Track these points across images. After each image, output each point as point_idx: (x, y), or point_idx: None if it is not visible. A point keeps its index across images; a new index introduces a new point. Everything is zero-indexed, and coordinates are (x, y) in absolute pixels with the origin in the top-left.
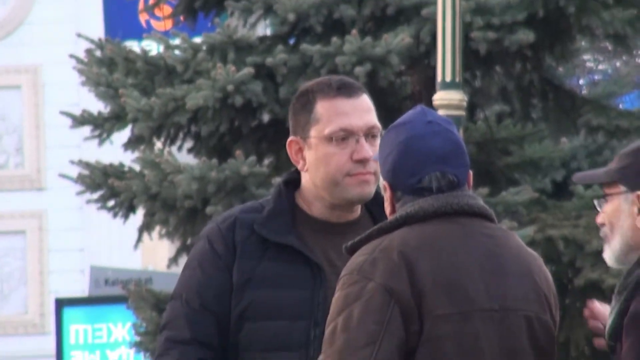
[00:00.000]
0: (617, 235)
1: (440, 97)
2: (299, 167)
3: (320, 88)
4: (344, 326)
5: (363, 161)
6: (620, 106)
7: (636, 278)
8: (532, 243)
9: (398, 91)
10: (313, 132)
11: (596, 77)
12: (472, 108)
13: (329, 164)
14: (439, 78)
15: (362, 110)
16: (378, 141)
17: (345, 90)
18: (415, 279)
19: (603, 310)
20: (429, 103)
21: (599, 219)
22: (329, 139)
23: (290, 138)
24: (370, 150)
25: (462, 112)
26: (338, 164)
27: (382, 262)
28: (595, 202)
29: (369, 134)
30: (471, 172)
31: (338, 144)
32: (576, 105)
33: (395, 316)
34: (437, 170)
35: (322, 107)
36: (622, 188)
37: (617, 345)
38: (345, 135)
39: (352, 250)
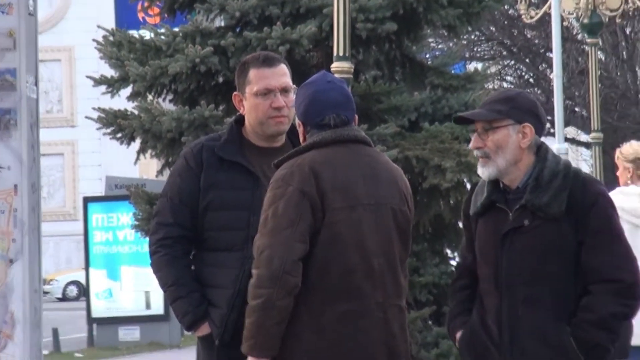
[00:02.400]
0: (502, 154)
1: (336, 66)
2: (241, 112)
3: (252, 60)
4: (273, 215)
5: (278, 108)
6: (452, 72)
7: (562, 172)
8: (395, 160)
9: (308, 62)
10: (247, 90)
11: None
12: (357, 73)
13: (257, 111)
14: (335, 53)
15: (279, 75)
16: (291, 95)
17: (268, 62)
18: (320, 184)
19: None
20: (329, 70)
21: (478, 144)
22: (256, 94)
23: (235, 93)
24: (284, 101)
25: (350, 76)
26: (262, 110)
27: (298, 173)
28: (478, 133)
29: (283, 90)
30: (356, 116)
31: (262, 97)
32: (424, 71)
33: (307, 208)
34: (333, 112)
35: (252, 73)
36: (510, 121)
37: (561, 220)
38: (266, 92)
39: (278, 166)
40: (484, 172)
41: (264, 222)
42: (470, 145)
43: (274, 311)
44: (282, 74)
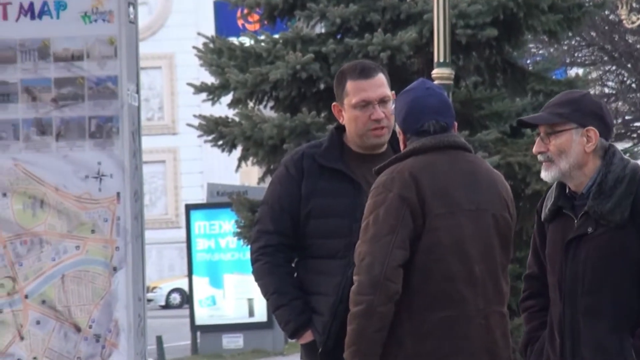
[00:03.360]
0: (566, 158)
1: (436, 72)
2: (340, 122)
3: (349, 71)
4: (374, 222)
5: (377, 120)
6: (553, 77)
7: (628, 177)
8: (497, 166)
9: (408, 69)
10: (345, 102)
11: (537, 59)
12: (457, 79)
13: (356, 123)
14: (435, 60)
15: (377, 86)
16: (389, 105)
17: (365, 73)
18: (420, 190)
19: None
20: (429, 76)
21: (541, 148)
22: (355, 106)
23: (333, 103)
24: (382, 112)
25: (451, 82)
26: (362, 122)
27: (398, 179)
28: (540, 137)
29: (381, 101)
30: (456, 122)
31: (360, 109)
32: (525, 77)
33: (407, 215)
34: (433, 119)
35: (349, 85)
36: (573, 125)
37: (626, 228)
38: (364, 104)
39: (378, 172)
40: (547, 175)
41: (365, 229)
42: (534, 149)
43: (374, 318)
44: (379, 85)
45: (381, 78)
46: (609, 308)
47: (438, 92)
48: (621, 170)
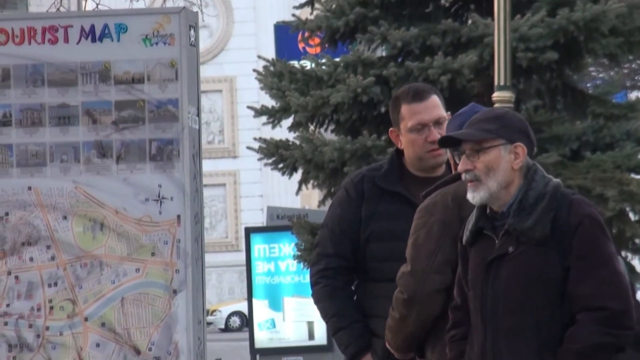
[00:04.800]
0: (494, 177)
1: (497, 95)
2: (399, 146)
3: (403, 96)
4: (413, 244)
5: (434, 142)
6: (614, 100)
7: (549, 194)
8: None
9: (469, 92)
10: (402, 126)
11: (598, 82)
12: (518, 102)
13: (414, 146)
14: (495, 83)
15: (431, 108)
16: (444, 126)
17: (418, 96)
18: (463, 215)
19: None
20: (490, 100)
21: (467, 166)
22: (410, 130)
23: (391, 129)
24: (438, 133)
25: (511, 105)
26: (419, 145)
27: (441, 203)
28: (466, 154)
29: (436, 123)
30: None
31: (417, 133)
32: (585, 100)
33: (447, 240)
34: None
35: (404, 109)
36: (502, 141)
37: (542, 247)
38: (420, 127)
39: (426, 196)
40: (474, 197)
41: (407, 250)
42: (459, 168)
43: (401, 334)
44: (433, 107)
45: (435, 100)
46: (530, 328)
47: None
48: (543, 188)
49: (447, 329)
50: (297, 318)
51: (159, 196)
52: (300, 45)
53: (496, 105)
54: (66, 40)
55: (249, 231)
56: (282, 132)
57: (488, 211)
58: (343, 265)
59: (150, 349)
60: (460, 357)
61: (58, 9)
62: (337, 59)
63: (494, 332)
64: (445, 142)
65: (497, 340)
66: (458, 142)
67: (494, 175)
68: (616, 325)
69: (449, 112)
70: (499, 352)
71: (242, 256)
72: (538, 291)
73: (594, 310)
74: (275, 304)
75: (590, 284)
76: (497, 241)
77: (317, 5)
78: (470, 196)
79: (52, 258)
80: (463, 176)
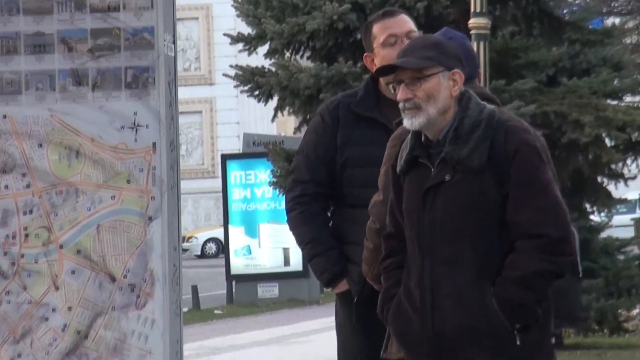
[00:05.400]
0: (434, 104)
1: (473, 22)
2: (373, 72)
3: (374, 18)
4: (385, 173)
5: None
6: (590, 26)
7: (484, 121)
8: (534, 115)
9: (445, 18)
10: (375, 44)
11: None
12: (494, 29)
13: (388, 61)
14: (471, 9)
15: (402, 22)
16: None
17: (389, 13)
18: None
19: None
20: (466, 26)
21: (407, 95)
22: (384, 45)
23: (365, 54)
24: None
25: (487, 32)
26: (392, 59)
27: None
28: (405, 83)
29: (408, 36)
30: (480, 71)
31: (390, 47)
32: (561, 26)
33: None
34: None
35: (375, 28)
36: (441, 68)
37: (479, 174)
38: (393, 41)
39: (400, 124)
40: (412, 123)
41: (379, 179)
42: (398, 97)
43: (377, 263)
44: (405, 21)
45: (405, 17)
46: (469, 256)
47: (461, 42)
48: (478, 115)
49: (381, 259)
50: (273, 244)
51: (134, 124)
52: None
53: (473, 32)
54: None
55: (225, 158)
56: (259, 59)
57: (423, 139)
58: (319, 191)
59: (125, 276)
60: (396, 286)
61: None
62: None
63: (432, 261)
64: (384, 70)
65: (435, 268)
66: (395, 69)
67: (434, 102)
68: (556, 252)
69: (421, 31)
70: (437, 281)
71: (218, 183)
72: (475, 219)
73: (533, 237)
74: (251, 231)
75: (530, 211)
76: (432, 169)
77: None
78: (407, 123)
79: (28, 186)
80: (401, 105)
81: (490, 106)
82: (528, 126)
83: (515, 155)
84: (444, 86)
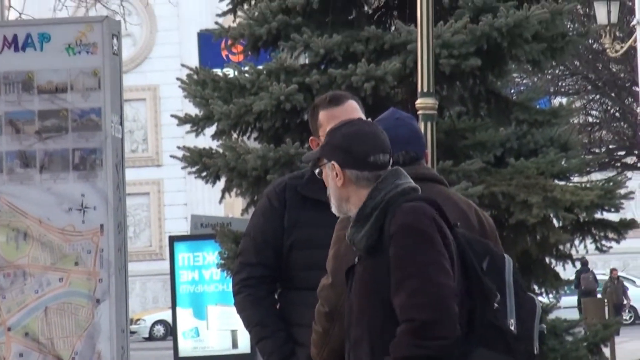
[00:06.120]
0: (332, 194)
1: (420, 102)
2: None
3: (320, 102)
4: (334, 256)
5: None
6: (537, 107)
7: (380, 207)
8: (481, 196)
9: (392, 99)
10: (320, 133)
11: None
12: (441, 109)
13: None
14: (419, 89)
15: (349, 112)
16: None
17: (335, 101)
18: None
19: None
20: (413, 106)
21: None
22: None
23: (311, 137)
24: None
25: (435, 112)
26: None
27: None
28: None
29: None
30: (427, 152)
31: None
32: (509, 106)
33: None
34: (403, 149)
35: (322, 115)
36: (325, 160)
37: (371, 258)
38: None
39: None
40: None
41: (328, 262)
42: None
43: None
44: (351, 111)
45: (352, 104)
46: (366, 339)
47: (408, 122)
48: (382, 196)
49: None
50: (221, 326)
51: (82, 205)
52: (224, 53)
53: (420, 112)
54: None
55: (172, 239)
56: (206, 140)
57: None
58: (265, 274)
59: (73, 359)
60: None
61: None
62: (260, 67)
63: (349, 343)
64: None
65: (349, 352)
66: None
67: (332, 193)
68: (426, 336)
69: (369, 119)
70: None
71: (166, 265)
72: (371, 302)
73: (405, 321)
74: (199, 313)
75: (402, 295)
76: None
77: (239, 13)
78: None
79: None
80: None
81: (406, 186)
82: (423, 207)
83: (392, 239)
84: (330, 177)
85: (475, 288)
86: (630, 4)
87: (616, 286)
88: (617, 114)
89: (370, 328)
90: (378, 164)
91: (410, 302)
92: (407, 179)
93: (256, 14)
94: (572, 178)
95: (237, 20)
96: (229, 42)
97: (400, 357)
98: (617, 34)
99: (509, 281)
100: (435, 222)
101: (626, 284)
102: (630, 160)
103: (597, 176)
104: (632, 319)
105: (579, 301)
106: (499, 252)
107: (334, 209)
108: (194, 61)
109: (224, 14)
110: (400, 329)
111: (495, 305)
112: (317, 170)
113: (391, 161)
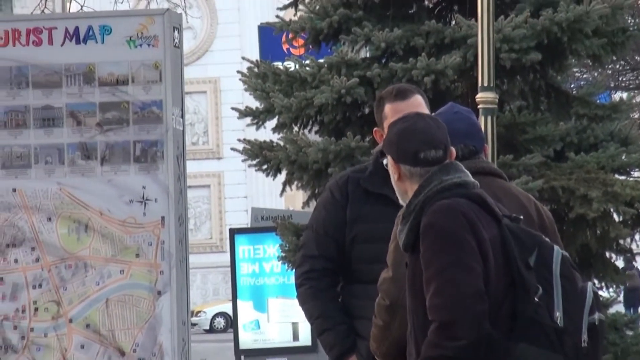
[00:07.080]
0: (394, 186)
1: (480, 96)
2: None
3: (386, 95)
4: (395, 249)
5: None
6: (597, 101)
7: (419, 204)
8: (541, 190)
9: (452, 92)
10: (385, 125)
11: (582, 83)
12: (501, 103)
13: None
14: (479, 83)
15: (414, 107)
16: None
17: (401, 95)
18: None
19: None
20: (473, 100)
21: None
22: None
23: (375, 129)
24: None
25: (495, 106)
26: None
27: None
28: None
29: None
30: (487, 145)
31: None
32: (569, 101)
33: None
34: (461, 143)
35: (387, 108)
36: (388, 157)
37: (412, 255)
38: None
39: None
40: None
41: (388, 255)
42: None
43: (386, 340)
44: (416, 105)
45: (418, 99)
46: (412, 335)
47: (466, 116)
48: (425, 194)
49: None
50: (282, 319)
51: (143, 198)
52: (284, 47)
53: (480, 106)
54: (50, 42)
55: (233, 232)
56: (267, 133)
57: None
58: (328, 267)
59: (134, 350)
60: None
61: (42, 10)
62: (321, 60)
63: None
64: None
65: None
66: None
67: (393, 184)
68: (443, 336)
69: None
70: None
71: (226, 257)
72: (413, 298)
73: (432, 322)
74: (260, 305)
75: (428, 296)
76: None
77: (300, 7)
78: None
79: (37, 260)
80: None
81: (450, 181)
82: (453, 204)
83: (421, 239)
84: (390, 170)
85: (517, 283)
86: None
87: None
88: None
89: (414, 322)
90: (429, 160)
91: (431, 302)
92: (457, 173)
93: (317, 7)
94: (632, 173)
95: (299, 13)
96: (290, 35)
97: (423, 358)
98: None
99: (555, 273)
100: (467, 219)
101: None
102: None
103: None
104: None
105: (624, 297)
106: (548, 244)
107: (400, 201)
108: (254, 54)
109: (285, 7)
110: (431, 328)
111: (536, 299)
112: (384, 161)
113: (448, 156)
